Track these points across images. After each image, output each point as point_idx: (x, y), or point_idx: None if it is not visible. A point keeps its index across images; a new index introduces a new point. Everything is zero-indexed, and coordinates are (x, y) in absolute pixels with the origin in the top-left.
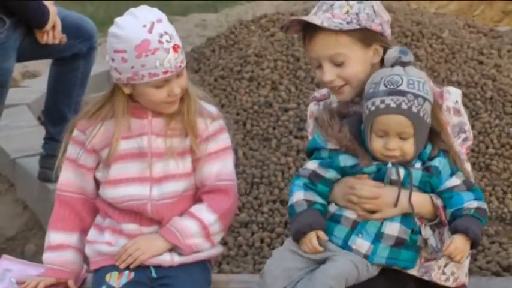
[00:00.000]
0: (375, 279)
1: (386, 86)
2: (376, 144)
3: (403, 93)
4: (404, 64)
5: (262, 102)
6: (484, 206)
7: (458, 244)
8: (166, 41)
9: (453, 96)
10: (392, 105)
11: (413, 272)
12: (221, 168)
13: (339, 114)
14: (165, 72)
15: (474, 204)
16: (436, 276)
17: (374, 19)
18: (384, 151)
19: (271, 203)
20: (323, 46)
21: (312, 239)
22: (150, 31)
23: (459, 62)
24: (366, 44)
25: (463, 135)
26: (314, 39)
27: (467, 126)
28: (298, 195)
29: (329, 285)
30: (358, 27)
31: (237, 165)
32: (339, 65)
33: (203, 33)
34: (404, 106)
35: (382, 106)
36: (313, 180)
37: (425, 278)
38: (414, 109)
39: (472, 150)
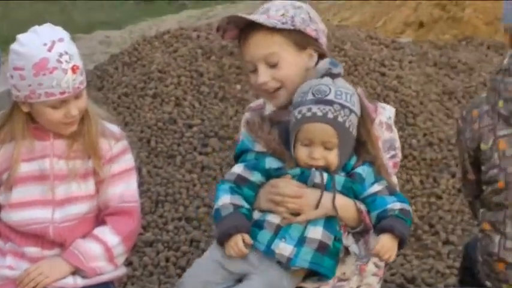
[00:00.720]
0: None
1: (314, 95)
2: (301, 152)
3: (330, 103)
4: (333, 76)
5: (166, 119)
6: (408, 208)
7: (385, 242)
8: (66, 61)
9: (387, 112)
10: (319, 113)
11: None
12: (125, 189)
13: (270, 120)
14: (62, 93)
15: (398, 205)
16: None
17: (309, 24)
18: (309, 160)
19: (177, 220)
20: (258, 46)
21: (238, 241)
22: (49, 50)
23: (361, 74)
24: (301, 47)
25: (392, 152)
26: (249, 39)
27: (397, 144)
28: (224, 199)
29: None
30: (292, 28)
31: (141, 184)
32: (273, 66)
33: (107, 50)
34: (330, 115)
35: (308, 114)
36: (239, 184)
37: None
38: (340, 119)
39: None
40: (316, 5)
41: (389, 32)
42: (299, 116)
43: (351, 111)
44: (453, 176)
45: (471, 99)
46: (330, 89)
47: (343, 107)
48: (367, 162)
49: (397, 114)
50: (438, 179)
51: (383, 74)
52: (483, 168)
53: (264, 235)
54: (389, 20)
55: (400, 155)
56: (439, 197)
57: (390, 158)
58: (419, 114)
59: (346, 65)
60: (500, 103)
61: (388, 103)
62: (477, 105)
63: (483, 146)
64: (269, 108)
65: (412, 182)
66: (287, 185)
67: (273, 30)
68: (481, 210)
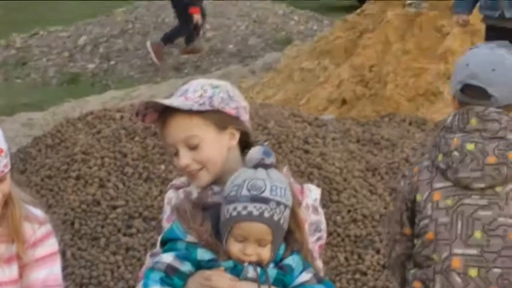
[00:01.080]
0: None
1: (249, 191)
2: (234, 247)
3: (266, 201)
4: (266, 166)
5: (90, 201)
6: None
7: None
8: None
9: (313, 194)
10: (255, 212)
11: None
12: (48, 274)
13: (200, 206)
14: None
15: None
16: None
17: (229, 103)
18: (241, 256)
19: None
20: (177, 129)
21: None
22: None
23: (285, 151)
24: (221, 127)
25: (318, 234)
26: (169, 122)
27: (323, 225)
28: None
29: None
30: (210, 108)
31: (65, 267)
32: (193, 148)
33: (30, 133)
34: (266, 214)
35: (244, 213)
36: (169, 274)
37: None
38: (275, 217)
39: None
40: (239, 83)
41: (312, 109)
42: (234, 213)
43: (286, 206)
44: (378, 251)
45: (394, 175)
46: (265, 184)
47: (278, 204)
48: (295, 251)
49: (321, 191)
50: (363, 255)
51: (307, 152)
52: (416, 220)
53: None
54: (312, 97)
55: (325, 236)
56: (364, 274)
57: (316, 241)
58: (343, 191)
59: (270, 143)
60: (440, 157)
61: (312, 180)
62: (418, 163)
63: (418, 197)
64: (193, 187)
65: (337, 259)
66: (220, 279)
67: (191, 112)
68: (412, 271)
